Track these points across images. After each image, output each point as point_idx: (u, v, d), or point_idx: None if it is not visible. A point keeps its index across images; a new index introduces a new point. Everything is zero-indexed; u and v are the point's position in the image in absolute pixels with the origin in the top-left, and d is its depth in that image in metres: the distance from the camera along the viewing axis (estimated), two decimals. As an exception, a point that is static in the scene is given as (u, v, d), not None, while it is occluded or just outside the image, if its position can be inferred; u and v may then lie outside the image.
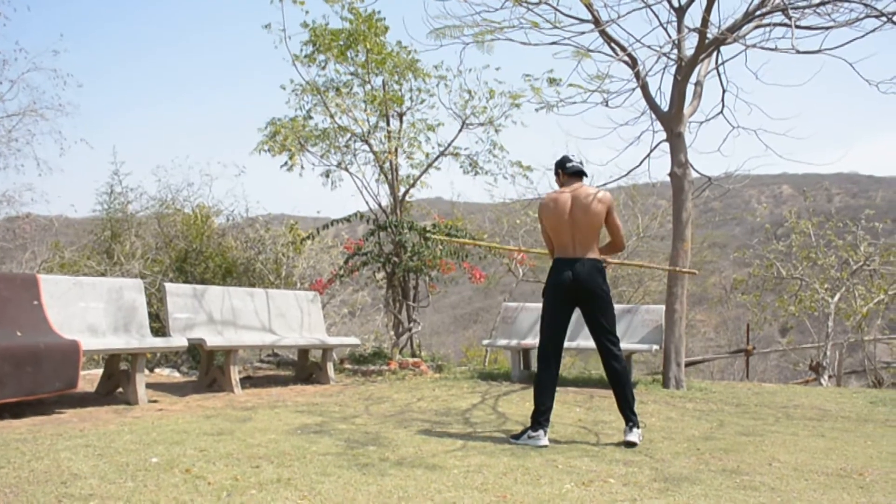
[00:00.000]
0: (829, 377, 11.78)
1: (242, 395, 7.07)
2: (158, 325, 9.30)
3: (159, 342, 6.71)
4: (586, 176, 5.45)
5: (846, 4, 7.36)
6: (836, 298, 12.52)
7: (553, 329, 5.20)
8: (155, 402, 6.44)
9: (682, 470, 4.18)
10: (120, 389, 6.58)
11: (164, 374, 8.59)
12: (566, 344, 8.47)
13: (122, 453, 4.19)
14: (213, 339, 7.07)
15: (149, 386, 6.98)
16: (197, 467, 3.90)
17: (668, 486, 3.77)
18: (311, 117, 9.90)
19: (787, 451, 4.81)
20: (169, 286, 7.40)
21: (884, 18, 6.99)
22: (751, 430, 5.62)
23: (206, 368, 7.61)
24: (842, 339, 12.56)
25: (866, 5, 7.21)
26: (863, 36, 7.25)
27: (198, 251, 10.91)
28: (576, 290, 5.11)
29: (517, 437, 5.01)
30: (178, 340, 6.81)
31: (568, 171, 5.40)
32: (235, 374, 7.30)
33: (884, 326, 13.73)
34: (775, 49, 7.52)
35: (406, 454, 4.45)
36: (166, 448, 4.38)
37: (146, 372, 7.22)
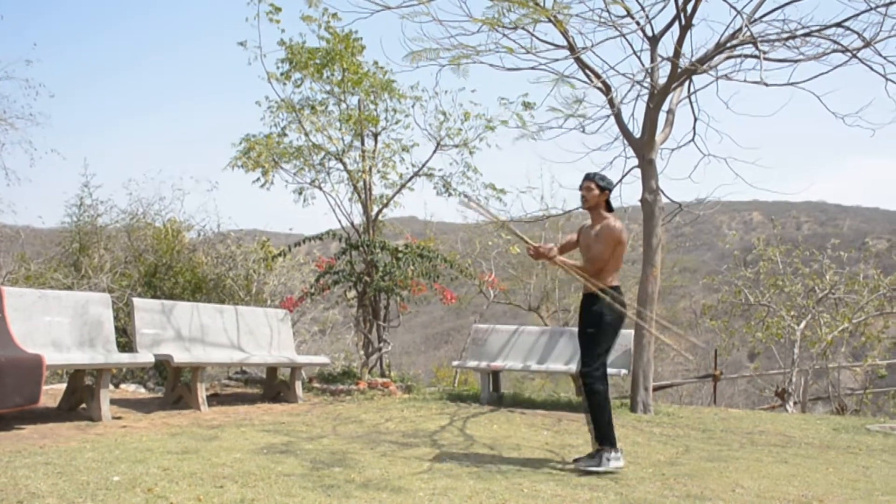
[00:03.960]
0: (795, 403, 11.91)
1: (209, 413, 6.99)
2: (125, 340, 9.19)
3: (125, 358, 6.63)
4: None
5: (814, 39, 7.55)
6: (802, 326, 12.69)
7: None
8: (119, 418, 6.35)
9: (646, 495, 4.20)
10: (83, 405, 6.48)
11: (130, 390, 8.48)
12: (535, 367, 8.53)
13: (83, 471, 4.13)
14: (180, 356, 7.00)
15: (113, 402, 6.89)
16: (160, 487, 3.85)
17: (632, 512, 3.79)
18: (285, 134, 9.89)
19: (751, 478, 4.86)
20: (137, 301, 7.32)
21: (849, 54, 7.17)
22: (716, 456, 5.67)
23: (173, 385, 7.52)
24: (807, 365, 12.72)
25: (833, 41, 7.40)
26: (829, 71, 7.44)
27: (168, 266, 10.81)
28: None
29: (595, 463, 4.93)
30: (144, 356, 6.74)
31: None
32: (202, 392, 7.23)
33: (848, 354, 13.94)
34: (745, 80, 7.68)
35: (372, 476, 4.43)
36: (129, 466, 4.32)
37: (111, 388, 7.11)
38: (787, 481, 4.78)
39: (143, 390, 8.58)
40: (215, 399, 8.08)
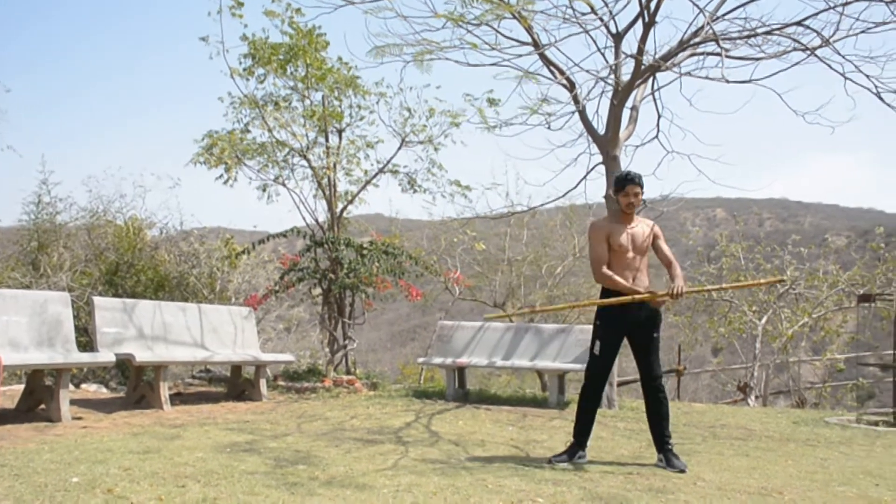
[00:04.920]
0: (756, 397, 12.10)
1: (172, 412, 6.91)
2: (86, 339, 9.03)
3: (85, 357, 6.52)
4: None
5: (774, 37, 7.65)
6: (764, 321, 12.89)
7: None
8: (79, 419, 6.25)
9: (609, 489, 4.24)
10: (42, 406, 6.35)
11: (91, 390, 8.35)
12: (500, 363, 8.56)
13: (41, 473, 4.06)
14: (142, 355, 6.91)
15: (74, 402, 6.78)
16: (120, 487, 3.80)
17: (594, 505, 3.82)
18: (248, 131, 9.79)
19: (713, 471, 4.92)
20: (97, 300, 7.20)
21: (809, 52, 7.28)
22: (678, 450, 5.70)
23: (135, 384, 7.41)
24: (769, 360, 12.92)
25: (793, 39, 7.51)
26: (788, 68, 7.54)
27: (129, 264, 10.65)
28: None
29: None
30: (105, 355, 6.64)
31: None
32: (165, 391, 7.14)
33: (808, 348, 14.19)
34: (707, 77, 7.76)
35: (336, 473, 4.41)
36: (88, 467, 4.25)
37: (71, 388, 7.00)
38: (747, 474, 4.85)
39: (104, 390, 8.45)
40: (178, 398, 7.99)
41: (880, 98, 7.07)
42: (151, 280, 10.63)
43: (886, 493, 4.38)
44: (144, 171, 14.72)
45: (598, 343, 5.17)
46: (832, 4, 7.12)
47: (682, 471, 4.84)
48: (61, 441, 5.16)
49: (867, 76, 7.12)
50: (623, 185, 5.20)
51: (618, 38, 8.30)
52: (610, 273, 5.10)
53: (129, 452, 4.78)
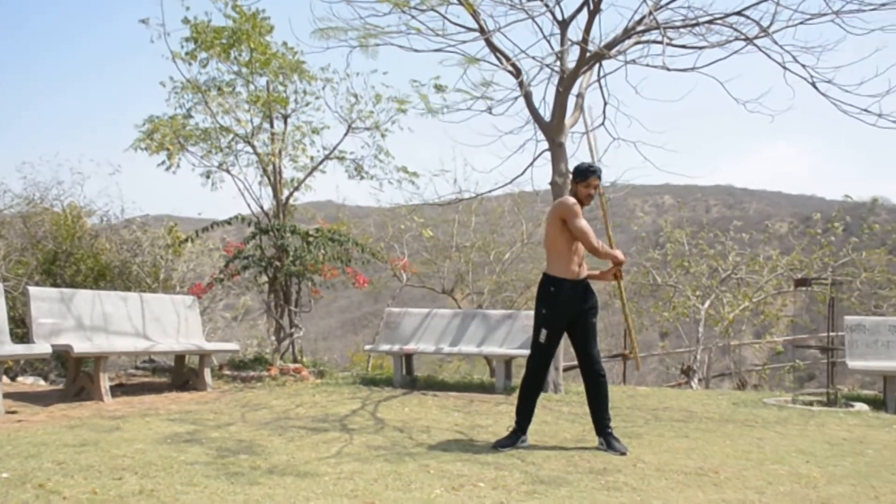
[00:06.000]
0: (699, 380, 12.34)
1: (112, 404, 6.78)
2: (23, 330, 8.79)
3: (20, 349, 6.35)
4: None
5: (717, 27, 7.76)
6: (707, 305, 13.12)
7: None
8: (14, 412, 6.08)
9: (551, 472, 4.28)
10: (-25, 399, 6.18)
11: (28, 382, 8.14)
12: (448, 349, 8.58)
13: (-30, 468, 3.94)
14: (80, 346, 6.76)
15: (8, 396, 6.60)
16: (53, 481, 3.71)
17: (535, 489, 3.86)
18: (191, 116, 9.58)
19: (653, 452, 5.01)
20: (33, 290, 7.01)
21: (748, 41, 7.40)
22: (621, 433, 5.79)
23: (74, 376, 7.24)
24: (711, 343, 13.18)
25: (734, 29, 7.62)
26: (727, 56, 7.66)
27: (68, 253, 10.38)
28: None
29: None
30: (41, 347, 6.47)
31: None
32: (105, 382, 6.99)
33: (752, 332, 14.50)
34: (648, 65, 7.84)
35: (278, 462, 4.37)
36: (20, 462, 4.15)
37: (6, 381, 6.81)
38: (685, 455, 4.94)
39: (42, 382, 8.25)
40: (120, 389, 7.84)
41: (815, 87, 7.22)
42: (92, 269, 10.38)
43: (815, 469, 4.52)
44: (83, 158, 14.33)
45: (543, 331, 5.19)
46: (770, -6, 7.23)
47: (623, 453, 4.91)
48: (-6, 435, 5.02)
49: (803, 66, 7.25)
50: (586, 176, 5.24)
51: (563, 25, 8.33)
52: (605, 246, 5.22)
53: (65, 446, 4.67)
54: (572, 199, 5.20)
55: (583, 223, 5.14)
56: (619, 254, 5.21)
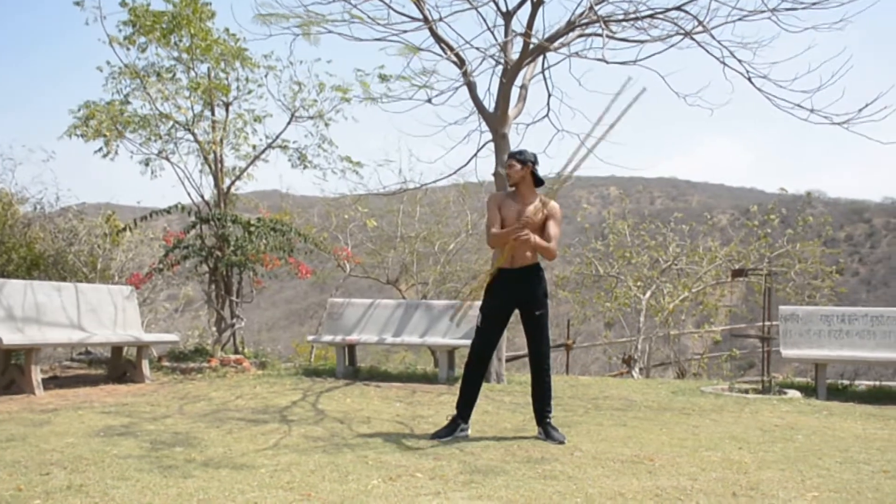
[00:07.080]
0: (640, 370, 12.56)
1: (44, 397, 6.61)
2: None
3: (-54, 341, 6.15)
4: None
5: (658, 21, 7.86)
6: (648, 295, 13.35)
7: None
8: (-61, 406, 5.90)
9: (489, 462, 4.31)
10: None
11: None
12: (391, 340, 8.57)
13: None
14: (10, 337, 6.57)
15: (-66, 389, 6.39)
16: (-24, 477, 3.60)
17: (472, 479, 3.88)
18: (129, 102, 9.36)
19: (591, 441, 5.08)
20: (-40, 280, 6.79)
21: (685, 35, 7.53)
22: (561, 422, 5.86)
23: (3, 369, 7.03)
24: (652, 333, 13.42)
25: (674, 23, 7.74)
26: (664, 50, 7.79)
27: (-1, 242, 10.07)
28: None
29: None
30: (-32, 339, 6.27)
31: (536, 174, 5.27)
32: (37, 375, 6.81)
33: (692, 322, 14.80)
34: (587, 58, 7.92)
35: (214, 454, 4.32)
36: (-57, 457, 4.02)
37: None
38: (622, 443, 5.02)
39: (-29, 375, 7.99)
40: (54, 382, 7.65)
41: (751, 82, 7.39)
42: (24, 259, 10.09)
43: (748, 455, 4.63)
44: (14, 144, 13.87)
45: (480, 316, 5.24)
46: (708, -9, 7.36)
47: (561, 442, 4.97)
48: (-83, 430, 4.85)
49: (740, 61, 7.41)
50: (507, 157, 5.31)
51: (507, 16, 8.36)
52: (496, 230, 5.16)
53: (-8, 440, 4.54)
54: (492, 194, 5.33)
55: (488, 216, 5.26)
56: (508, 230, 5.10)
